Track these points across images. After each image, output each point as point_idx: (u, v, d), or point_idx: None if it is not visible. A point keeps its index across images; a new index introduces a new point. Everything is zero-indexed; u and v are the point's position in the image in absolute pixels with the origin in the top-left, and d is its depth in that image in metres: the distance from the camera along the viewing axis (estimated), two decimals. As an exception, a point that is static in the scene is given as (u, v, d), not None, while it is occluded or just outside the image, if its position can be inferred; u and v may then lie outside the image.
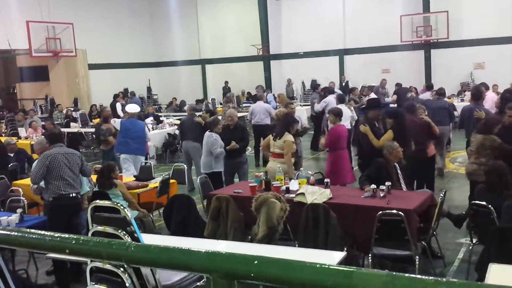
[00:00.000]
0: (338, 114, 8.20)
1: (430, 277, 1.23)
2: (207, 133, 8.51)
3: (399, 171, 6.60)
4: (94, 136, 14.77)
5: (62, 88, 24.05)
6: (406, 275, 1.26)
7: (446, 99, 11.88)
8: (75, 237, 1.69)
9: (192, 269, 1.60)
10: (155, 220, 7.77)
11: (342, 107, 10.61)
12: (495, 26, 20.05)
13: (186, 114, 19.51)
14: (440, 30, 21.35)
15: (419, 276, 1.25)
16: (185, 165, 9.14)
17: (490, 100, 10.80)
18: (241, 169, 8.65)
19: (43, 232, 1.77)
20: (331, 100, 12.75)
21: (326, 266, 1.34)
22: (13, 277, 4.61)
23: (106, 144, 10.48)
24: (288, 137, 7.63)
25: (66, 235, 1.71)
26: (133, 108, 10.52)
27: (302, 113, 14.28)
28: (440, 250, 6.21)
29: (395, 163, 6.63)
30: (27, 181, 8.22)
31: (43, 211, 7.73)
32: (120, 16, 25.90)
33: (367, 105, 8.24)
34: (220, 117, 10.60)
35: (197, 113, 12.23)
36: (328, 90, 14.09)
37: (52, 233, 1.73)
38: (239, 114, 13.22)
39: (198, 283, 3.93)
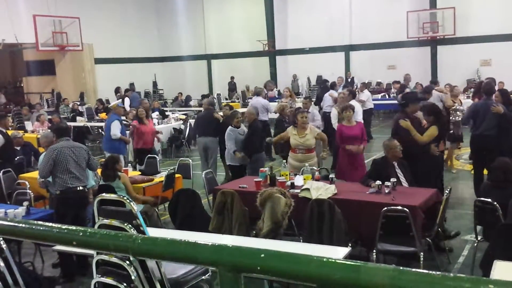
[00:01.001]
0: (354, 110, 8.23)
1: (438, 272, 1.23)
2: (229, 127, 8.80)
3: (397, 169, 6.56)
4: (99, 130, 14.83)
5: (68, 82, 24.11)
6: (413, 270, 1.25)
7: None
8: (83, 229, 1.70)
9: (198, 262, 1.60)
10: (160, 214, 7.80)
11: (353, 102, 10.57)
12: (502, 23, 19.95)
13: (192, 109, 19.63)
14: (447, 26, 21.26)
15: (426, 271, 1.24)
16: (190, 160, 9.16)
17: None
18: (249, 169, 8.64)
19: (50, 224, 1.77)
20: (325, 97, 12.81)
21: (333, 260, 1.34)
22: (19, 269, 4.64)
23: None
24: (315, 130, 7.84)
25: (74, 227, 1.71)
26: (114, 102, 10.60)
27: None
28: (444, 245, 6.20)
29: (394, 162, 6.60)
30: (33, 174, 8.26)
31: (49, 205, 7.77)
32: (127, 10, 25.93)
33: (406, 99, 7.85)
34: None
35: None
36: (325, 87, 14.12)
37: (59, 225, 1.74)
38: (243, 110, 13.22)
39: (203, 277, 3.94)
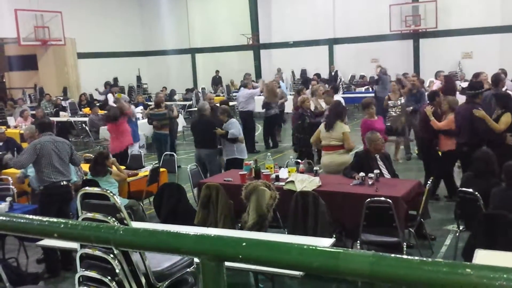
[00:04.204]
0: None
1: (416, 257, 1.25)
2: None
3: (379, 162, 6.60)
4: (83, 125, 14.70)
5: (51, 77, 23.83)
6: (392, 255, 1.27)
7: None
8: (64, 221, 1.69)
9: (180, 252, 1.61)
10: (145, 208, 7.78)
11: (338, 97, 10.63)
12: (483, 16, 20.13)
13: (177, 103, 19.54)
14: (429, 19, 21.40)
15: (405, 257, 1.26)
16: (174, 154, 9.14)
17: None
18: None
19: (31, 216, 1.77)
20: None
21: (313, 247, 1.35)
22: (3, 265, 4.61)
23: (166, 128, 10.82)
24: (345, 128, 7.33)
25: (55, 219, 1.70)
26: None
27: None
28: (427, 235, 6.28)
29: (376, 155, 6.64)
30: (16, 170, 8.18)
31: (31, 200, 7.71)
32: (110, 4, 25.68)
33: (474, 89, 7.58)
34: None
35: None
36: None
37: (40, 218, 1.73)
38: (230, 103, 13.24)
39: (188, 269, 3.94)
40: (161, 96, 12.00)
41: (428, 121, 7.76)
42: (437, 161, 7.81)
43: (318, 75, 18.31)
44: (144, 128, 12.63)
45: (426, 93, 10.60)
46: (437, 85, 12.70)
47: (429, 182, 5.93)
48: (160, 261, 3.78)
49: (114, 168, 7.25)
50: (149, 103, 19.17)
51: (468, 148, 7.01)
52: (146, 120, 13.88)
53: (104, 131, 13.08)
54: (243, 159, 8.22)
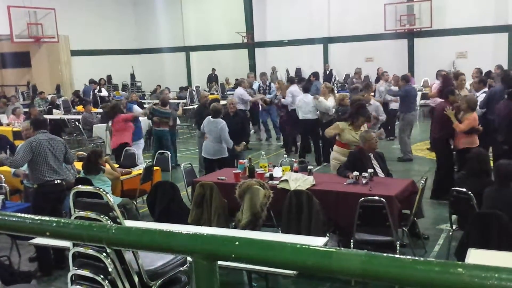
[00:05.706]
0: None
1: (408, 257, 1.25)
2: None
3: (373, 161, 6.61)
4: (76, 123, 14.64)
5: (44, 74, 23.75)
6: (385, 254, 1.27)
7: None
8: (56, 219, 1.68)
9: (173, 251, 1.60)
10: (138, 207, 7.77)
11: (307, 97, 10.57)
12: (478, 15, 20.21)
13: (171, 101, 19.49)
14: (424, 19, 21.46)
15: (397, 256, 1.27)
16: (168, 152, 9.12)
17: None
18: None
19: (23, 215, 1.75)
20: (295, 90, 12.48)
21: (307, 247, 1.35)
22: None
23: (165, 125, 11.21)
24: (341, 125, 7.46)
25: (47, 218, 1.69)
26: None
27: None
28: (420, 235, 6.30)
29: (370, 154, 6.65)
30: (8, 168, 8.14)
31: (23, 198, 7.67)
32: (103, 1, 25.59)
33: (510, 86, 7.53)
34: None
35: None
36: (290, 80, 13.83)
37: (32, 216, 1.72)
38: (223, 102, 13.26)
39: (181, 268, 3.94)
40: (167, 93, 12.16)
41: (444, 121, 7.57)
42: (449, 159, 7.76)
43: (315, 73, 18.25)
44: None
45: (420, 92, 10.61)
46: (435, 86, 12.60)
47: (422, 182, 5.94)
48: (153, 260, 3.77)
49: (107, 166, 7.24)
50: (143, 101, 19.13)
51: (509, 147, 6.92)
52: (140, 118, 13.89)
53: (97, 129, 13.05)
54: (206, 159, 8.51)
